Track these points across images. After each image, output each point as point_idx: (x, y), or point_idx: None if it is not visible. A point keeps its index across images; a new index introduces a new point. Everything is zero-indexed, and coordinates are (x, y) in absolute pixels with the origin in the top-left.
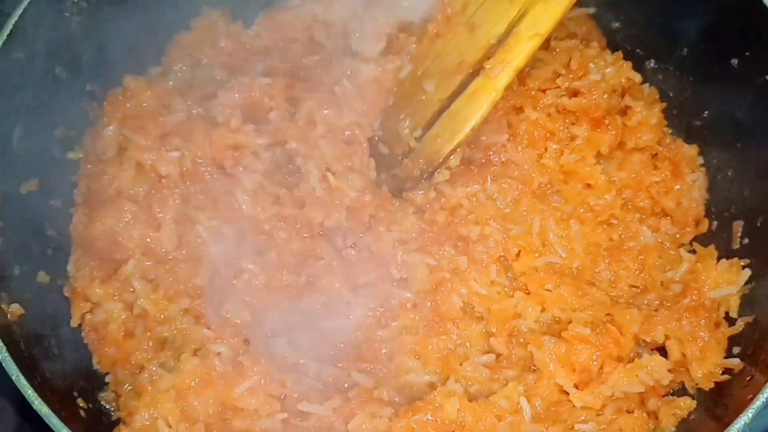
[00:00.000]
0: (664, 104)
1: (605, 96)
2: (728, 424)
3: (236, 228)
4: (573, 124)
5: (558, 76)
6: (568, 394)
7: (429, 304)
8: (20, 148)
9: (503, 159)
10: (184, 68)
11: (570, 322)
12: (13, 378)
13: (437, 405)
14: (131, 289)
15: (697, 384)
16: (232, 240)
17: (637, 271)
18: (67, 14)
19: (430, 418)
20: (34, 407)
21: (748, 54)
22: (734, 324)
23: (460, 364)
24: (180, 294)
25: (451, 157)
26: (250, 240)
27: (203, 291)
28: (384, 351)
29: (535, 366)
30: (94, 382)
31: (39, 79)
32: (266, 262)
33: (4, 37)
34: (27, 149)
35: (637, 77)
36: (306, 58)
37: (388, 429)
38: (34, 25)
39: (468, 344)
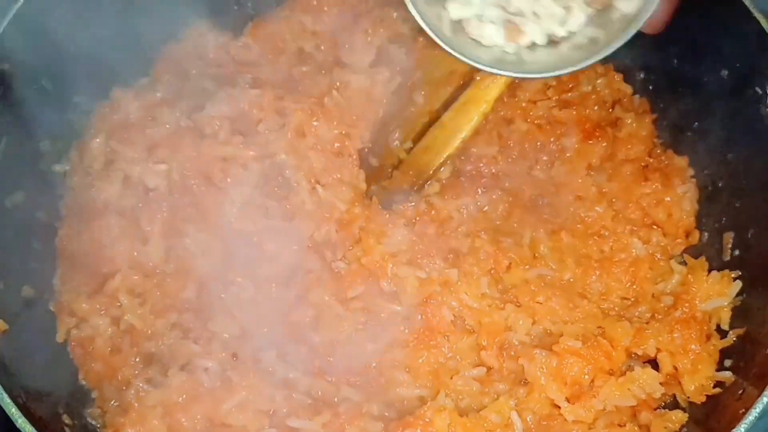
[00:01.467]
0: (655, 116)
1: (596, 107)
2: None
3: (225, 241)
4: (563, 135)
5: (548, 88)
6: (559, 407)
7: (419, 317)
8: (5, 161)
9: (494, 171)
10: (172, 80)
11: (561, 335)
12: None
13: (427, 420)
14: (118, 304)
15: (688, 397)
16: (221, 253)
17: (628, 283)
18: (54, 25)
19: None
20: (18, 425)
21: (738, 65)
22: (726, 336)
23: (451, 378)
24: (168, 308)
25: (442, 169)
26: (239, 253)
27: (191, 305)
28: (374, 365)
29: (526, 379)
30: (79, 398)
31: (25, 91)
32: (255, 276)
33: None
34: (12, 162)
35: (628, 89)
36: (295, 69)
37: None
38: (19, 36)
39: (458, 357)
